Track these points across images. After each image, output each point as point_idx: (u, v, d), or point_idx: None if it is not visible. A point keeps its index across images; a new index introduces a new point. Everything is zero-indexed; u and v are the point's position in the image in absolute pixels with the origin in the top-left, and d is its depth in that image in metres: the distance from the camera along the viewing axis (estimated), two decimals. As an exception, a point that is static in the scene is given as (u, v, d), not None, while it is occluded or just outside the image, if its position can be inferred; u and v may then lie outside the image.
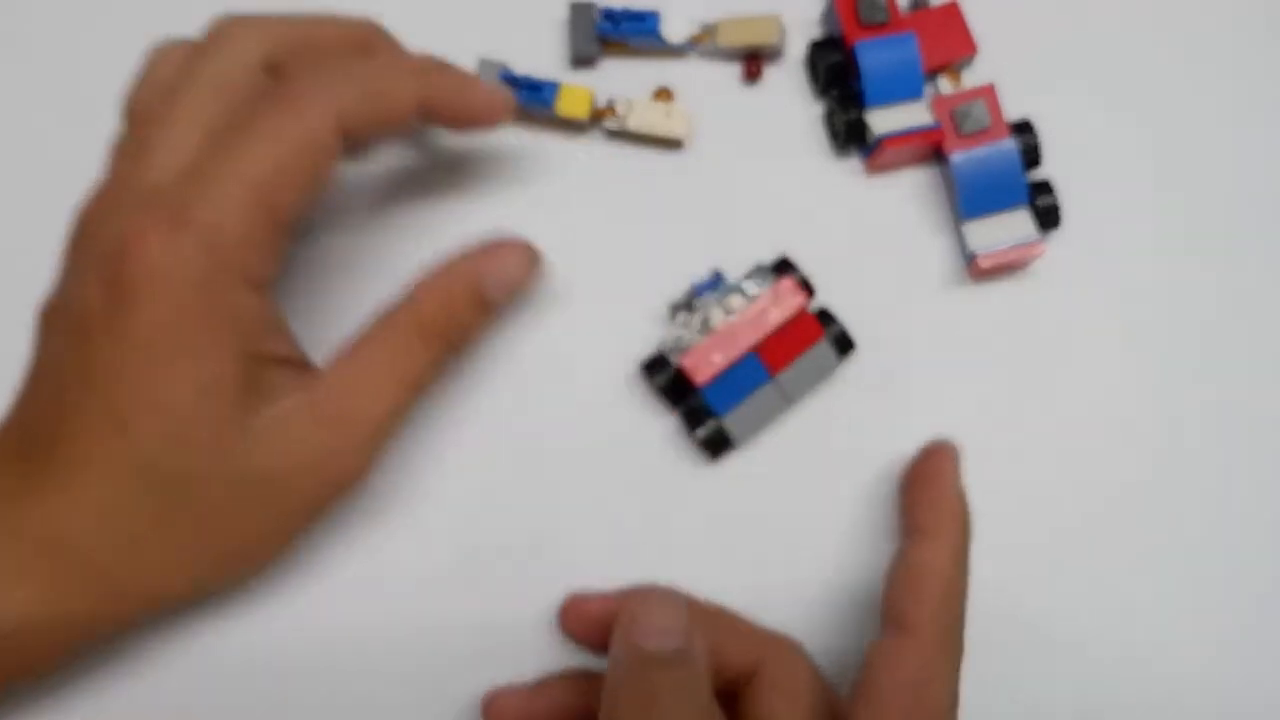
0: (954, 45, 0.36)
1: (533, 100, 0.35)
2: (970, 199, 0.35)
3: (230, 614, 0.33)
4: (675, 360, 0.33)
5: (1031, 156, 0.35)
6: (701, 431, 0.33)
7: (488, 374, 0.35)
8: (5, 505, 0.28)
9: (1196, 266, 0.37)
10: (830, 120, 0.36)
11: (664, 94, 0.36)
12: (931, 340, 0.36)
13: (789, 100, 0.37)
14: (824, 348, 0.33)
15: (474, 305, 0.31)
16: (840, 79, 0.36)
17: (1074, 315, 0.36)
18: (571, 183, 0.36)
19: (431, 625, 0.33)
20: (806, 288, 0.33)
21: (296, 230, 0.29)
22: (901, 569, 0.29)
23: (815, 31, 0.37)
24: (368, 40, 0.32)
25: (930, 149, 0.35)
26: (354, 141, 0.29)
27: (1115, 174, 0.37)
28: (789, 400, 0.34)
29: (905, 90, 0.35)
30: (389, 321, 0.31)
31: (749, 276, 0.34)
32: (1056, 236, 0.36)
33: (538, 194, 0.36)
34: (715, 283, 0.34)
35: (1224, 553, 0.35)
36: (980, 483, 0.34)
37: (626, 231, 0.36)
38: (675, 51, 0.37)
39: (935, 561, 0.29)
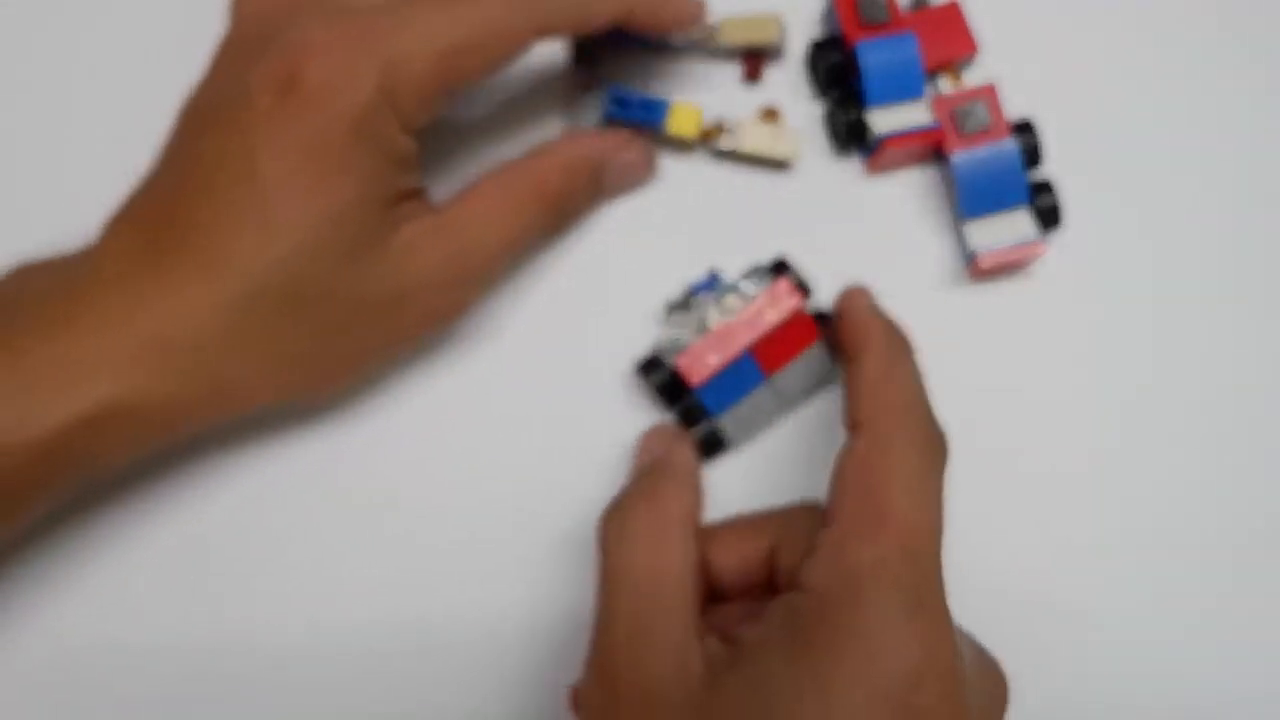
0: (955, 45, 0.36)
1: (644, 119, 0.35)
2: (970, 199, 0.35)
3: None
4: (671, 360, 0.33)
5: (1032, 156, 0.35)
6: (696, 432, 0.33)
7: (485, 372, 0.35)
8: (125, 290, 0.28)
9: (1198, 267, 0.37)
10: (831, 120, 0.36)
11: (770, 114, 0.36)
12: (931, 340, 0.35)
13: (789, 100, 0.37)
14: (821, 350, 0.33)
15: (589, 183, 0.34)
16: (840, 79, 0.36)
17: (1074, 315, 0.36)
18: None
19: (427, 621, 0.33)
20: (803, 289, 0.33)
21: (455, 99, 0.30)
22: (844, 394, 0.29)
23: (815, 31, 0.37)
24: None
25: (930, 149, 0.35)
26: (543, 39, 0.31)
27: (1117, 174, 0.37)
28: (785, 402, 0.34)
29: (906, 90, 0.35)
30: (511, 171, 0.32)
31: (746, 277, 0.34)
32: (1057, 237, 0.36)
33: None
34: (712, 283, 0.34)
35: (1231, 550, 0.35)
36: (978, 482, 0.34)
37: (622, 230, 0.36)
38: (676, 50, 0.37)
39: (865, 370, 0.28)
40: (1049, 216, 0.35)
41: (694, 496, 0.29)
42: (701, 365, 0.32)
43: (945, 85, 0.36)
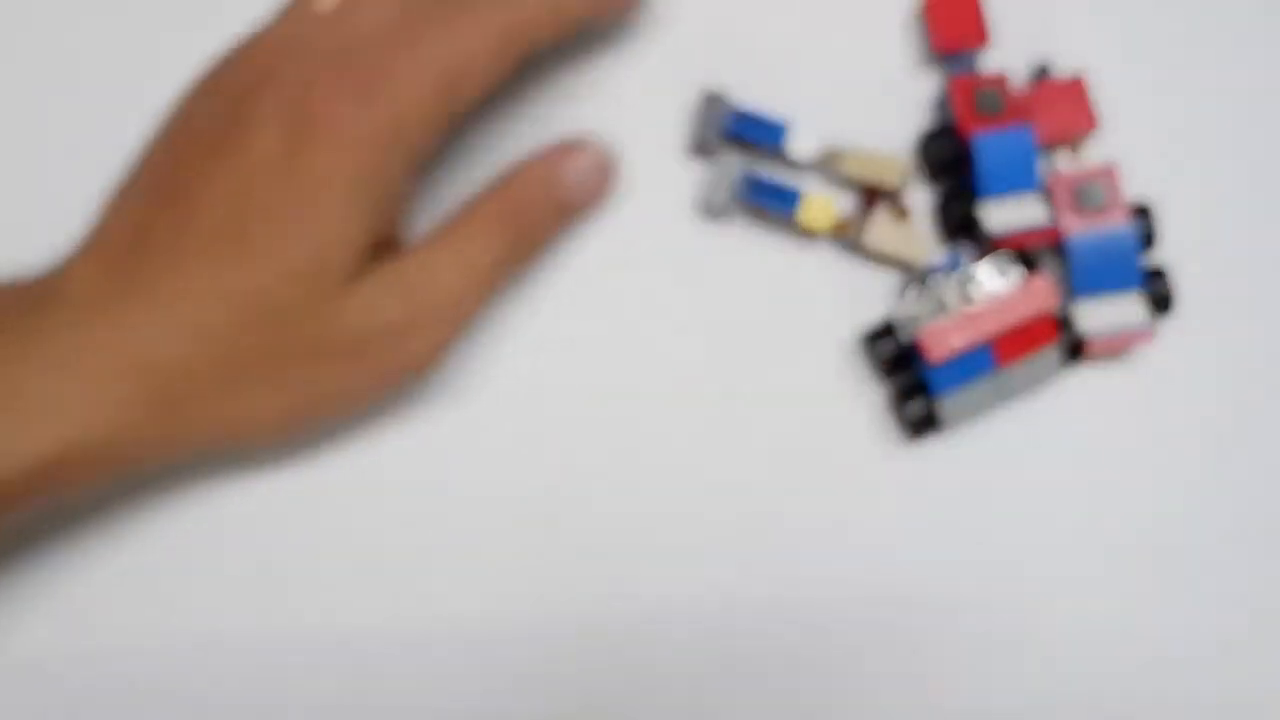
0: (1075, 121, 0.35)
1: (774, 206, 0.35)
2: (1083, 279, 0.34)
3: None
4: (907, 334, 0.33)
5: (1147, 240, 0.35)
6: (913, 408, 0.33)
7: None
8: (94, 313, 0.28)
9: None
10: (945, 214, 0.35)
11: (900, 212, 0.35)
12: (1033, 413, 0.36)
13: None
14: (1051, 351, 0.33)
15: (545, 203, 0.33)
16: (952, 168, 0.35)
17: (1175, 407, 0.36)
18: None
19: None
20: None
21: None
22: None
23: (925, 117, 0.37)
24: None
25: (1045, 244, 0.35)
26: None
27: (1233, 263, 0.37)
28: (1004, 395, 0.34)
29: (1020, 182, 0.34)
30: (467, 217, 0.32)
31: (991, 265, 0.33)
32: (1166, 323, 0.36)
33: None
34: (953, 263, 0.34)
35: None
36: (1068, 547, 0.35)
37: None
38: (795, 167, 0.36)
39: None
40: (1161, 303, 0.35)
41: None
42: (945, 344, 0.32)
43: (1064, 160, 0.36)
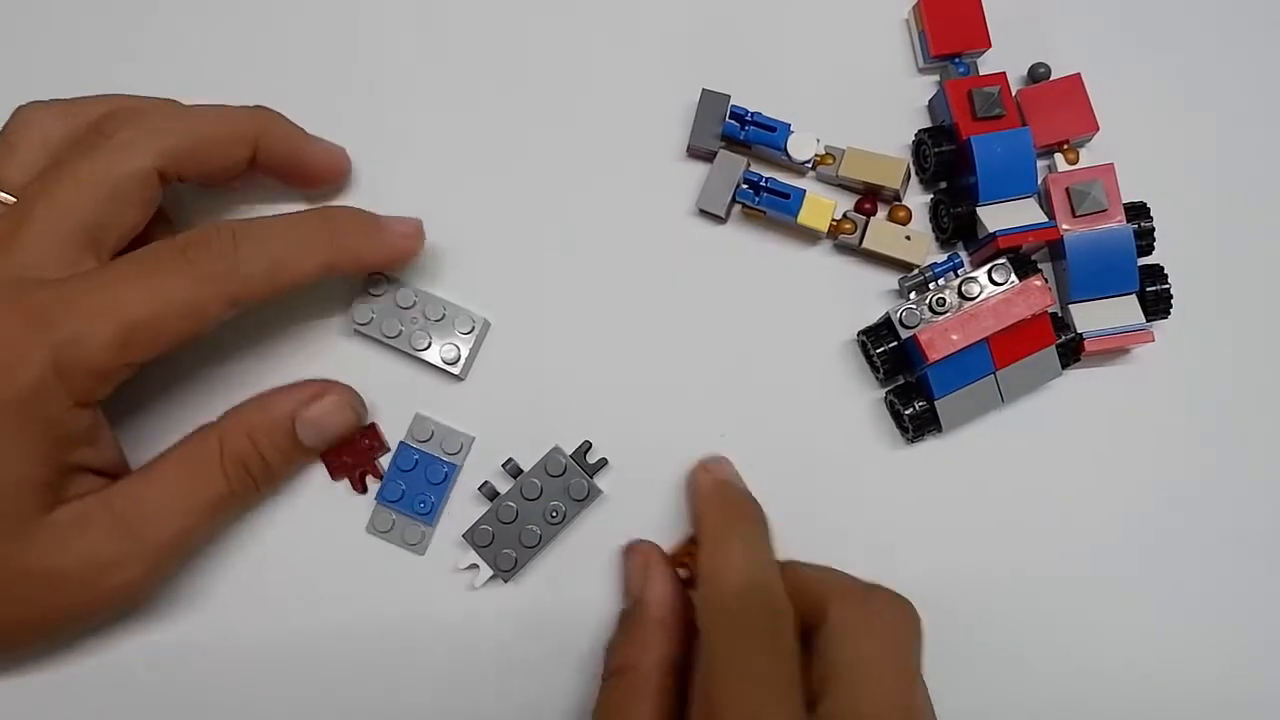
0: (1074, 122, 0.35)
1: (776, 208, 0.35)
2: (1081, 281, 0.34)
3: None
4: (905, 332, 0.33)
5: (1146, 242, 0.35)
6: (911, 409, 0.33)
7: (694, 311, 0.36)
8: None
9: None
10: (941, 214, 0.36)
11: (900, 211, 0.35)
12: (1032, 416, 0.36)
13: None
14: (1049, 354, 0.33)
15: (282, 444, 0.32)
16: (948, 170, 0.35)
17: (1175, 406, 0.36)
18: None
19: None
20: None
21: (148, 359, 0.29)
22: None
23: (920, 118, 0.37)
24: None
25: (1041, 245, 0.35)
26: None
27: (1231, 263, 0.37)
28: (1003, 397, 0.34)
29: (1018, 186, 0.34)
30: (191, 444, 0.31)
31: (988, 267, 0.33)
32: (1165, 323, 0.35)
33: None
34: (952, 265, 0.34)
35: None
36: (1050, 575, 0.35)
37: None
38: (794, 168, 0.36)
39: (699, 564, 0.29)
40: (1159, 305, 0.35)
41: (663, 637, 0.30)
42: (944, 342, 0.32)
43: (1061, 162, 0.36)
